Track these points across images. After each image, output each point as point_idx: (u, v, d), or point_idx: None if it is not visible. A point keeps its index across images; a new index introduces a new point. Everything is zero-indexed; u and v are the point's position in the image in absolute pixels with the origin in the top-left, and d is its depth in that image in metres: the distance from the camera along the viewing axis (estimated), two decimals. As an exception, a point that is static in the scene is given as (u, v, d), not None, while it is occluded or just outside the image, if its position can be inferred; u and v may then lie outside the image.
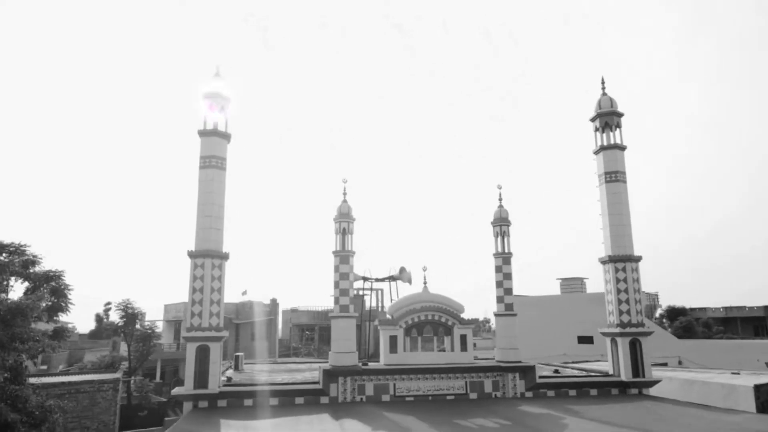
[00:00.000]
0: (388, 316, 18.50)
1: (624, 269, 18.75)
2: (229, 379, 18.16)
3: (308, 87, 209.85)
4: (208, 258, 16.43)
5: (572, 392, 18.16)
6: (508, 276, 19.37)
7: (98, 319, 62.15)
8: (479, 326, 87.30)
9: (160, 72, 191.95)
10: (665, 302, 56.83)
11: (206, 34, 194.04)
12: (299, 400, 16.69)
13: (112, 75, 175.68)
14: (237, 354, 23.38)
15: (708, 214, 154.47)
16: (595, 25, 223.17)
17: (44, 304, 25.43)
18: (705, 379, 18.93)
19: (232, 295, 47.87)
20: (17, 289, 23.84)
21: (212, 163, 17.18)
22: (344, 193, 18.75)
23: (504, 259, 19.39)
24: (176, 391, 16.05)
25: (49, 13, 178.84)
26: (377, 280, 24.02)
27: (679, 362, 35.99)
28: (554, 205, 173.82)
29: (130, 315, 34.10)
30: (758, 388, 16.58)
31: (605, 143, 19.82)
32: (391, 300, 24.19)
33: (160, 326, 44.02)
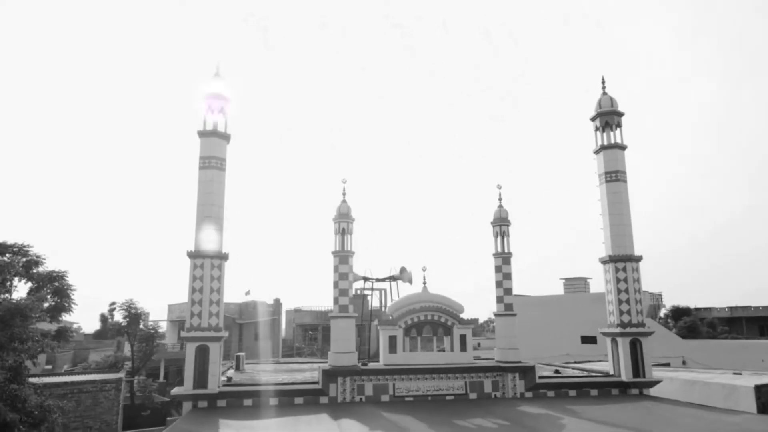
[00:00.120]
0: (390, 317, 18.49)
1: (624, 269, 18.69)
2: (229, 379, 18.21)
3: (308, 87, 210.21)
4: (207, 258, 16.48)
5: (572, 392, 18.11)
6: (507, 276, 19.33)
7: (103, 319, 62.40)
8: (483, 327, 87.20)
9: (160, 72, 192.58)
10: (670, 302, 56.67)
11: (206, 34, 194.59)
12: (299, 400, 16.72)
13: (112, 75, 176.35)
14: (238, 354, 23.45)
15: (713, 213, 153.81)
16: (595, 25, 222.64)
17: (47, 305, 25.66)
18: (706, 380, 18.85)
19: (235, 295, 48.06)
20: (21, 290, 24.07)
21: (212, 164, 17.23)
22: (343, 194, 18.77)
23: (504, 259, 19.36)
24: (176, 391, 16.10)
25: (49, 14, 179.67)
26: (378, 280, 24.03)
27: (683, 362, 35.84)
28: (555, 204, 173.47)
29: (134, 315, 34.28)
30: (759, 389, 16.49)
31: (605, 143, 19.77)
32: (391, 300, 24.20)
33: (163, 326, 44.26)
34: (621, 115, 19.89)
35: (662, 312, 54.55)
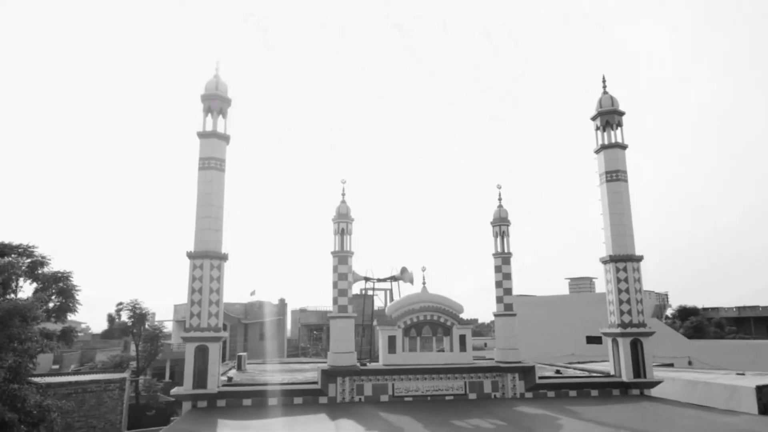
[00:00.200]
0: (389, 317, 18.49)
1: (625, 269, 18.61)
2: (230, 379, 18.29)
3: (308, 87, 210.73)
4: (206, 259, 16.55)
5: (572, 393, 18.04)
6: (507, 276, 19.30)
7: (110, 319, 62.58)
8: (490, 327, 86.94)
9: (160, 72, 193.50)
10: (678, 302, 56.31)
11: (206, 34, 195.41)
12: (298, 400, 16.76)
13: (112, 76, 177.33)
14: (240, 354, 23.54)
15: (722, 212, 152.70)
16: (595, 25, 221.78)
17: (52, 305, 25.88)
18: (708, 380, 18.72)
19: (241, 295, 48.27)
20: (26, 290, 24.30)
21: (211, 165, 17.30)
22: (343, 194, 18.81)
23: (503, 259, 19.33)
24: (175, 390, 16.20)
25: (49, 14, 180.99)
26: (379, 280, 24.06)
27: (689, 363, 35.61)
28: (555, 204, 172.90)
29: (139, 315, 34.53)
30: (760, 389, 16.36)
31: (606, 142, 19.68)
32: (392, 300, 24.21)
33: (169, 326, 44.48)
34: (622, 114, 19.80)
35: (668, 312, 54.26)
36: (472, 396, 17.67)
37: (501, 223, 19.53)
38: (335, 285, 17.96)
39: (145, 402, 31.57)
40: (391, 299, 26.75)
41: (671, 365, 27.79)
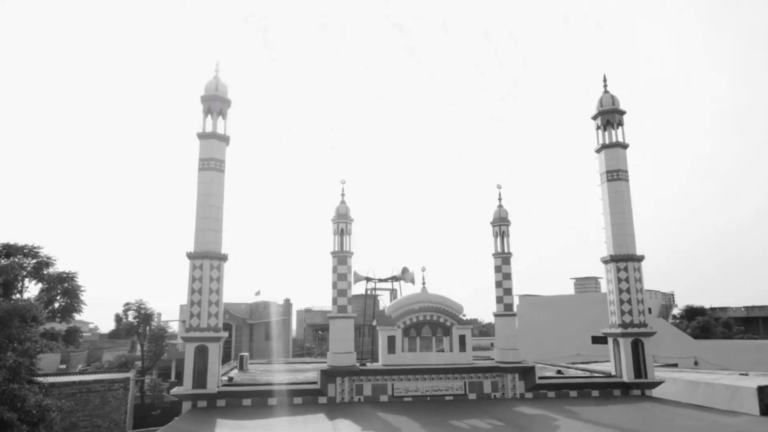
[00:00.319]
0: (392, 317, 18.49)
1: (626, 269, 18.53)
2: (231, 379, 18.38)
3: (308, 87, 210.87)
4: (206, 259, 16.64)
5: (573, 393, 17.99)
6: (507, 276, 19.24)
7: (117, 319, 63.08)
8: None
9: (160, 73, 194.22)
10: (685, 302, 55.94)
11: (206, 34, 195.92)
12: (297, 400, 16.81)
13: (112, 76, 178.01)
14: (242, 354, 23.64)
15: (730, 211, 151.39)
16: (595, 25, 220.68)
17: (57, 305, 26.08)
18: (710, 381, 18.59)
19: (246, 295, 48.43)
20: (32, 290, 24.52)
21: (211, 166, 17.39)
22: (342, 194, 18.84)
23: (503, 259, 19.28)
24: (175, 390, 16.29)
25: (49, 14, 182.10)
26: (380, 280, 24.06)
27: (695, 363, 35.38)
28: (555, 204, 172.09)
29: (144, 315, 34.80)
30: (762, 390, 16.21)
31: (607, 141, 19.61)
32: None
33: (174, 326, 44.70)
34: (622, 113, 19.72)
35: (675, 312, 53.92)
36: (472, 396, 17.65)
37: (501, 223, 19.50)
38: (335, 285, 18.00)
39: (150, 402, 31.75)
40: (395, 299, 26.74)
41: (675, 365, 27.62)
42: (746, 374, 20.27)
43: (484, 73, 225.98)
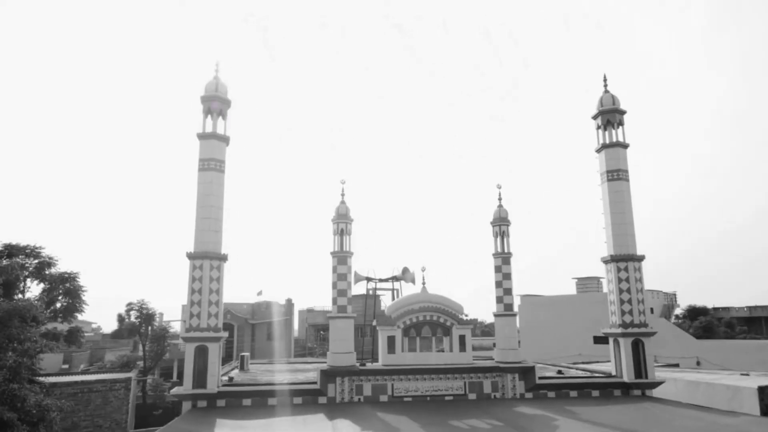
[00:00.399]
0: (392, 317, 18.49)
1: (626, 269, 18.50)
2: (231, 379, 18.40)
3: (308, 87, 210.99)
4: (206, 260, 16.67)
5: (573, 393, 17.97)
6: (507, 276, 19.23)
7: (120, 319, 63.26)
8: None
9: (160, 73, 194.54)
10: (687, 301, 55.78)
11: (206, 34, 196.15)
12: (297, 400, 16.82)
13: (112, 77, 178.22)
14: (242, 354, 23.67)
15: (733, 210, 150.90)
16: (595, 24, 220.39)
17: (59, 305, 26.16)
18: (710, 381, 18.55)
19: (248, 295, 48.51)
20: (34, 291, 24.61)
21: (211, 166, 17.41)
22: (342, 194, 18.86)
23: (503, 259, 19.27)
24: (175, 390, 16.33)
25: (49, 14, 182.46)
26: (381, 280, 24.06)
27: (698, 363, 35.30)
28: (556, 204, 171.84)
29: (145, 315, 34.89)
30: (762, 390, 16.19)
31: (607, 141, 19.58)
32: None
33: (177, 326, 44.78)
34: (623, 113, 19.69)
35: (678, 312, 53.79)
36: (472, 396, 17.65)
37: (501, 223, 19.49)
38: (334, 285, 18.00)
39: (152, 402, 31.80)
40: (395, 299, 26.72)
41: (677, 365, 27.56)
42: (747, 374, 20.23)
43: (484, 73, 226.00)
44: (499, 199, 19.91)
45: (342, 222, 18.33)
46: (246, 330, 46.22)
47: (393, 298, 28.68)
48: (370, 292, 26.41)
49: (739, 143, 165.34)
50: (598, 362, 27.79)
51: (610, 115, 19.62)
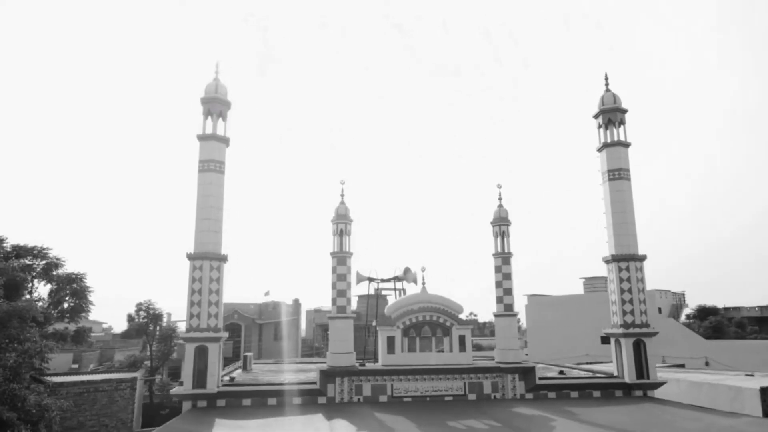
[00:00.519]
0: (392, 317, 18.50)
1: (627, 269, 18.38)
2: (232, 379, 18.50)
3: (308, 87, 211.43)
4: (206, 260, 16.78)
5: (574, 394, 17.89)
6: (507, 276, 19.17)
7: (130, 319, 63.81)
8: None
9: (161, 73, 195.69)
10: (699, 301, 55.19)
11: (206, 34, 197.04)
12: (297, 400, 16.88)
13: (113, 78, 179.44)
14: (246, 354, 23.79)
15: (744, 209, 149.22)
16: (595, 24, 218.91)
17: (66, 305, 26.44)
18: (713, 381, 18.38)
19: (255, 295, 48.72)
20: (41, 291, 24.92)
21: (210, 167, 17.53)
22: (342, 195, 18.90)
23: (503, 259, 19.22)
24: (175, 390, 16.45)
25: (49, 14, 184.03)
26: (383, 280, 24.07)
27: (706, 363, 34.99)
28: (556, 204, 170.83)
29: (153, 315, 35.19)
30: (765, 391, 16.01)
31: (608, 140, 19.46)
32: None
33: (183, 326, 45.06)
34: (624, 111, 19.56)
35: (687, 312, 53.26)
36: (472, 397, 17.61)
37: (501, 223, 19.44)
38: (334, 286, 18.05)
39: (159, 401, 32.04)
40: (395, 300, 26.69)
41: (682, 366, 27.33)
42: (752, 375, 20.02)
43: (484, 73, 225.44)
44: (499, 199, 19.86)
45: (341, 222, 18.37)
46: (253, 330, 46.39)
47: (397, 299, 28.72)
48: (377, 292, 26.46)
49: (751, 142, 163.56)
50: (601, 362, 27.60)
51: (611, 114, 19.50)
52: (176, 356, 39.54)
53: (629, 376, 17.81)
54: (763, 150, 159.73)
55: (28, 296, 22.02)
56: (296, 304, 51.33)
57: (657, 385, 17.80)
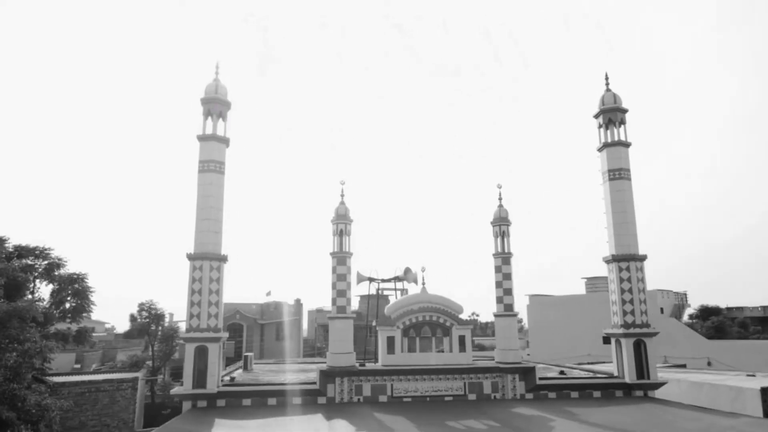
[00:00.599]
0: (392, 318, 18.49)
1: (628, 268, 18.35)
2: (232, 379, 18.52)
3: (308, 87, 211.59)
4: (206, 260, 16.81)
5: (574, 394, 17.86)
6: (507, 276, 19.16)
7: (132, 319, 63.93)
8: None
9: (161, 74, 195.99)
10: (700, 301, 55.06)
11: (206, 34, 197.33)
12: (297, 400, 16.89)
13: (113, 78, 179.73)
14: (246, 354, 23.82)
15: (746, 209, 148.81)
16: (595, 24, 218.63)
17: (68, 305, 26.51)
18: (714, 382, 18.34)
19: (257, 296, 48.78)
20: (43, 291, 24.99)
21: (210, 168, 17.55)
22: (342, 195, 18.91)
23: (504, 259, 19.20)
24: (175, 390, 16.48)
25: (49, 14, 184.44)
26: (383, 280, 24.03)
27: (708, 363, 34.88)
28: (556, 204, 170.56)
29: (154, 315, 35.28)
30: (765, 391, 15.98)
31: (609, 140, 19.43)
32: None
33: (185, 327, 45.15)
34: (624, 111, 19.53)
35: (689, 311, 53.19)
36: (472, 397, 17.60)
37: (501, 223, 19.42)
38: (334, 286, 18.06)
39: (161, 401, 32.11)
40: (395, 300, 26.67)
41: (684, 366, 27.27)
42: (753, 375, 19.97)
43: (484, 73, 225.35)
44: (500, 199, 19.85)
45: (341, 223, 18.38)
46: (255, 330, 46.46)
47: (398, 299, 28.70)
48: (379, 292, 26.46)
49: (751, 142, 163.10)
50: (603, 363, 27.56)
51: (611, 114, 19.47)
52: (178, 356, 39.65)
53: (630, 377, 17.78)
54: (763, 149, 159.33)
55: (29, 296, 22.11)
56: (298, 304, 51.39)
57: (657, 385, 17.76)
